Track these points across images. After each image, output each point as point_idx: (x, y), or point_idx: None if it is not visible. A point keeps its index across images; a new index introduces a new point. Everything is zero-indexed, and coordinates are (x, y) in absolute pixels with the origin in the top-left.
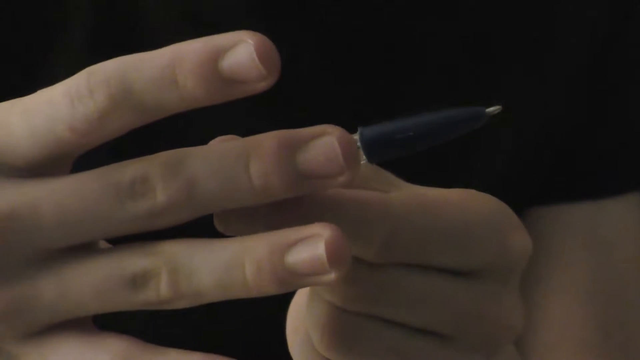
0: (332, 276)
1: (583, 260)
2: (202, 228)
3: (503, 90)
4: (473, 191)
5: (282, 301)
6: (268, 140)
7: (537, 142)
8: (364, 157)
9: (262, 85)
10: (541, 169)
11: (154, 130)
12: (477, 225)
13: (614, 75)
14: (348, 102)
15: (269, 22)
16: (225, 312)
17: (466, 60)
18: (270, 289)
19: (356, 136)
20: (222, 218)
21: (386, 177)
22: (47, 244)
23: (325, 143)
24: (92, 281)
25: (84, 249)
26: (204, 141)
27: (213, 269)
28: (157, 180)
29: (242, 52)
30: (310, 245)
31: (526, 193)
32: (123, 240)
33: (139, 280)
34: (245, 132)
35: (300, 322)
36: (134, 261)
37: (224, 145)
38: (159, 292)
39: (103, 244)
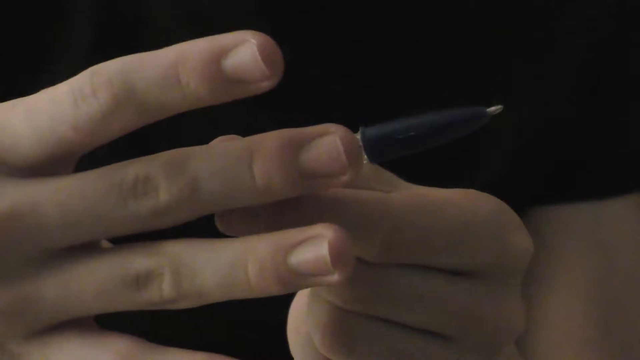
0: (335, 277)
1: (584, 261)
2: (203, 228)
3: (503, 90)
4: (474, 191)
5: (283, 301)
6: (271, 140)
7: (537, 142)
8: (366, 157)
9: (265, 85)
10: (541, 169)
11: (155, 130)
12: (478, 226)
13: (615, 75)
14: (350, 101)
15: (273, 22)
16: (226, 312)
17: (467, 59)
18: (273, 289)
19: (358, 136)
20: (223, 218)
21: (387, 177)
22: (49, 244)
23: (328, 142)
24: (95, 281)
25: (86, 249)
26: (205, 141)
27: (216, 269)
28: (160, 180)
29: (245, 51)
30: (314, 245)
31: (527, 193)
32: (125, 241)
33: (141, 280)
34: (246, 132)
35: (301, 322)
36: (137, 261)
37: (226, 145)
38: (162, 292)
39: (105, 244)
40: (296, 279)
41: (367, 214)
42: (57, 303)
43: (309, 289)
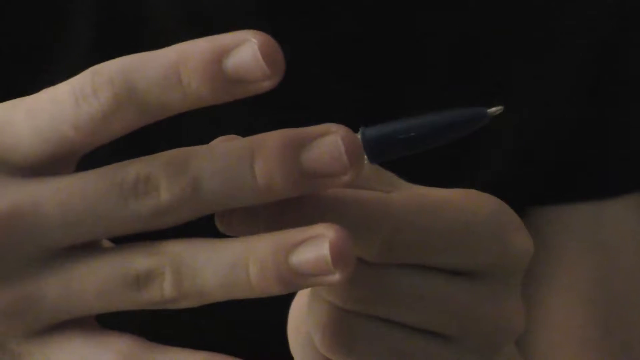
0: (336, 277)
1: (584, 261)
2: (203, 228)
3: (503, 90)
4: (474, 191)
5: (284, 301)
6: (272, 139)
7: (537, 142)
8: (365, 157)
9: (266, 85)
10: (542, 169)
11: (155, 130)
12: (479, 226)
13: (615, 75)
14: (350, 101)
15: (273, 22)
16: (227, 311)
17: (467, 59)
18: (274, 289)
19: (358, 136)
20: (223, 218)
21: (387, 177)
22: (50, 243)
23: (329, 142)
24: (96, 280)
25: (87, 249)
26: (206, 141)
27: (217, 268)
28: (161, 179)
29: (246, 51)
30: (315, 245)
31: (527, 193)
32: (126, 240)
33: (142, 280)
34: (247, 131)
35: (302, 322)
36: (138, 261)
37: (227, 145)
38: (163, 292)
39: (106, 244)
40: (297, 279)
41: (368, 214)
42: (58, 303)
43: (309, 289)
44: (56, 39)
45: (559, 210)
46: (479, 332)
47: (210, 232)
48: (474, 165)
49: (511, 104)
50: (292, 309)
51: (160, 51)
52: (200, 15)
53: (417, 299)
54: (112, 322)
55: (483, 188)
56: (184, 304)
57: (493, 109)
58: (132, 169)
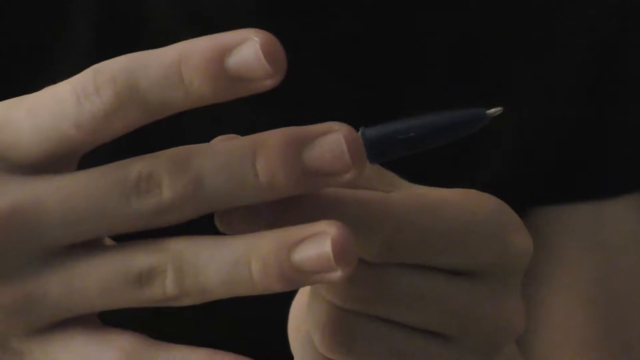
0: (338, 274)
1: (584, 261)
2: (205, 227)
3: (503, 90)
4: (474, 191)
5: (286, 299)
6: (274, 138)
7: (537, 142)
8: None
9: (268, 83)
10: (542, 169)
11: (157, 129)
12: (479, 225)
13: (615, 75)
14: (350, 101)
15: (273, 22)
16: (229, 309)
17: (467, 59)
18: (276, 286)
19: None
20: (223, 218)
21: (388, 177)
22: (51, 241)
23: (331, 140)
24: (98, 278)
25: (89, 246)
26: (206, 140)
27: (219, 266)
28: (163, 177)
29: (248, 50)
30: (317, 242)
31: (527, 193)
32: (127, 239)
33: (144, 278)
34: (247, 131)
35: (302, 321)
36: (140, 258)
37: (230, 143)
38: (165, 289)
39: (108, 242)
40: (299, 276)
41: (368, 214)
42: (60, 300)
43: (309, 288)
44: (56, 39)
45: (559, 210)
46: (479, 332)
47: (211, 231)
48: (474, 165)
49: (511, 104)
50: (292, 308)
51: (162, 49)
52: (200, 15)
53: (417, 298)
54: (114, 319)
55: (483, 188)
56: (186, 302)
57: (492, 110)
58: (135, 166)
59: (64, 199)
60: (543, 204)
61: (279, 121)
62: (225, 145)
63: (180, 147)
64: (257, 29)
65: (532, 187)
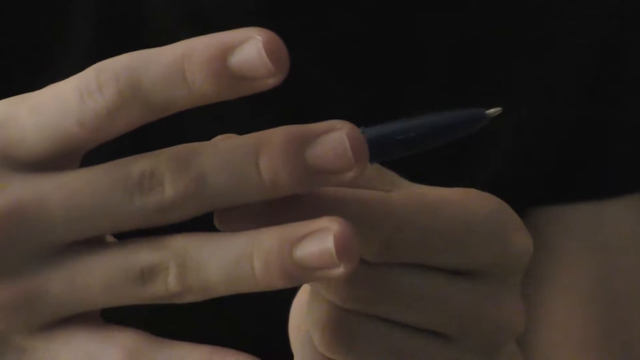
0: (340, 270)
1: (585, 261)
2: (204, 227)
3: (503, 90)
4: (474, 191)
5: (287, 296)
6: (277, 136)
7: (537, 142)
8: None
9: (270, 82)
10: (542, 169)
11: (158, 128)
12: (479, 225)
13: (615, 75)
14: (350, 101)
15: (273, 22)
16: (231, 306)
17: (467, 59)
18: (279, 283)
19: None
20: (222, 217)
21: (388, 176)
22: (54, 239)
23: (334, 138)
24: (100, 275)
25: (91, 244)
26: (207, 140)
27: (221, 262)
28: (166, 175)
29: (250, 48)
30: (319, 238)
31: (527, 193)
32: (129, 237)
33: (147, 274)
34: (247, 131)
35: (303, 320)
36: (142, 255)
37: (232, 141)
38: (167, 286)
39: (110, 240)
40: (302, 273)
41: (368, 213)
42: (63, 298)
43: (309, 288)
44: (56, 39)
45: (559, 210)
46: (479, 332)
47: (211, 230)
48: (474, 165)
49: (511, 104)
50: (293, 307)
51: (165, 48)
52: (200, 15)
53: (417, 298)
54: (116, 317)
55: (483, 188)
56: (189, 299)
57: (492, 110)
58: (137, 164)
59: (67, 196)
60: (543, 204)
61: (279, 121)
62: (228, 143)
63: (183, 145)
64: (259, 28)
65: (532, 187)
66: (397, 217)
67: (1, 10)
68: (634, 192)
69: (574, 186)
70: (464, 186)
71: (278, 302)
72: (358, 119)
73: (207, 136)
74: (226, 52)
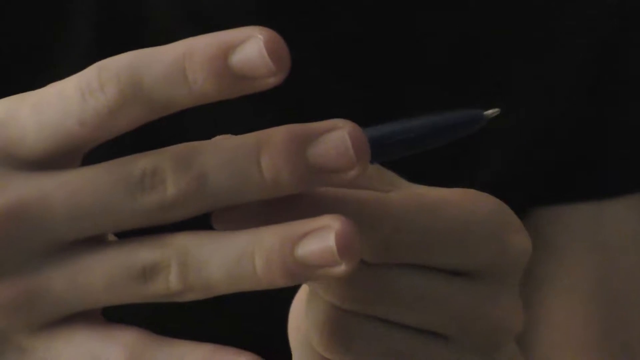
0: (342, 268)
1: (585, 261)
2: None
3: (503, 90)
4: (473, 191)
5: (289, 294)
6: (279, 134)
7: (537, 142)
8: None
9: (271, 81)
10: (542, 169)
11: (159, 129)
12: (477, 225)
13: (615, 75)
14: (350, 101)
15: (273, 22)
16: (232, 305)
17: (467, 59)
18: (280, 281)
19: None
20: (220, 218)
21: (388, 176)
22: (56, 237)
23: (336, 137)
24: (102, 273)
25: (93, 242)
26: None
27: (223, 261)
28: (168, 173)
29: (251, 47)
30: (321, 236)
31: (527, 193)
32: (131, 236)
33: (148, 273)
34: (247, 131)
35: (302, 320)
36: (144, 253)
37: (234, 139)
38: (169, 285)
39: (111, 238)
40: (303, 271)
41: (367, 214)
42: (64, 296)
43: (307, 288)
44: (56, 39)
45: (559, 210)
46: (478, 332)
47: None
48: (474, 165)
49: (511, 104)
50: (293, 307)
51: (166, 47)
52: (200, 15)
53: (416, 299)
54: (117, 315)
55: (483, 188)
56: (190, 297)
57: (490, 111)
58: (139, 163)
59: (69, 194)
60: (543, 204)
61: (278, 121)
62: (229, 142)
63: (185, 144)
64: (260, 27)
65: (532, 187)
66: (396, 218)
67: (1, 10)
68: (634, 192)
69: (574, 186)
70: (463, 186)
71: (279, 300)
72: (358, 119)
73: (208, 135)
74: (227, 51)
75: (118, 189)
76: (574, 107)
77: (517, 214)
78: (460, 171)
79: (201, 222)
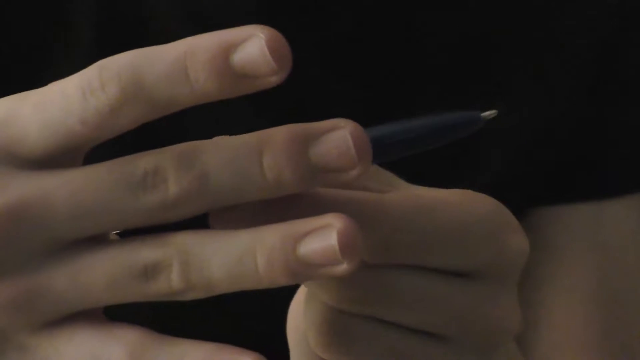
0: (344, 267)
1: (585, 261)
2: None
3: (503, 90)
4: (470, 192)
5: (290, 293)
6: (280, 134)
7: (537, 142)
8: None
9: (273, 80)
10: (542, 169)
11: (158, 129)
12: (475, 226)
13: (615, 75)
14: (350, 101)
15: (273, 22)
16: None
17: (467, 59)
18: (282, 280)
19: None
20: (218, 220)
21: (386, 177)
22: (58, 236)
23: (337, 137)
24: (104, 272)
25: (95, 241)
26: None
27: (224, 259)
28: (170, 172)
29: (253, 46)
30: (323, 235)
31: (527, 193)
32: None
33: (150, 271)
34: (247, 131)
35: (300, 320)
36: (145, 252)
37: (236, 139)
38: (171, 283)
39: (113, 237)
40: (305, 269)
41: (365, 215)
42: (65, 295)
43: (305, 289)
44: (56, 39)
45: (559, 210)
46: (477, 333)
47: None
48: (474, 165)
49: (511, 104)
50: (291, 307)
51: (167, 45)
52: (200, 15)
53: (414, 299)
54: (119, 314)
55: (483, 188)
56: (192, 296)
57: (487, 113)
58: (141, 162)
59: (71, 193)
60: (543, 204)
61: (278, 121)
62: (231, 141)
63: (187, 143)
64: (262, 26)
65: (532, 187)
66: (395, 218)
67: (1, 10)
68: (634, 192)
69: (574, 186)
70: (463, 187)
71: (281, 299)
72: (358, 119)
73: (208, 135)
74: (229, 50)
75: (120, 188)
76: (574, 107)
77: (517, 214)
78: (460, 171)
79: (202, 222)
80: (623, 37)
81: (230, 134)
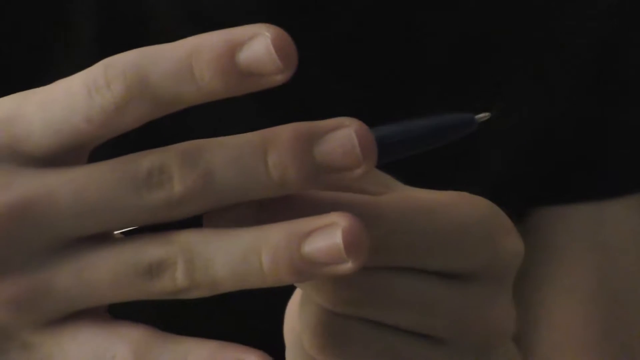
0: (349, 265)
1: (585, 261)
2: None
3: (503, 90)
4: (466, 194)
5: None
6: (285, 132)
7: (537, 142)
8: None
9: (279, 78)
10: (542, 170)
11: (162, 128)
12: (470, 228)
13: (615, 75)
14: (350, 101)
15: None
16: (237, 302)
17: (467, 59)
18: (287, 278)
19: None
20: (212, 221)
21: (382, 178)
22: (62, 233)
23: (342, 135)
24: (108, 270)
25: (99, 239)
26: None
27: (229, 258)
28: (174, 170)
29: (259, 45)
30: (328, 234)
31: (527, 194)
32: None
33: (154, 270)
34: (248, 130)
35: (296, 322)
36: (150, 250)
37: (241, 137)
38: (175, 282)
39: (117, 236)
40: (310, 268)
41: (361, 216)
42: (70, 293)
43: (300, 292)
44: (56, 39)
45: (559, 210)
46: (472, 334)
47: None
48: (474, 165)
49: (511, 104)
50: (288, 309)
51: (173, 44)
52: (200, 15)
53: (408, 302)
54: (123, 312)
55: (483, 188)
56: (196, 294)
57: (480, 115)
58: (146, 160)
59: (75, 191)
60: (543, 204)
61: (280, 120)
62: (236, 140)
63: (191, 142)
64: (268, 24)
65: (532, 188)
66: (391, 220)
67: (1, 10)
68: (634, 192)
69: (574, 186)
70: (463, 187)
71: (285, 297)
72: (358, 119)
73: (211, 133)
74: (234, 48)
75: (124, 186)
76: (574, 107)
77: (517, 214)
78: (460, 171)
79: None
80: (623, 37)
81: (233, 133)
